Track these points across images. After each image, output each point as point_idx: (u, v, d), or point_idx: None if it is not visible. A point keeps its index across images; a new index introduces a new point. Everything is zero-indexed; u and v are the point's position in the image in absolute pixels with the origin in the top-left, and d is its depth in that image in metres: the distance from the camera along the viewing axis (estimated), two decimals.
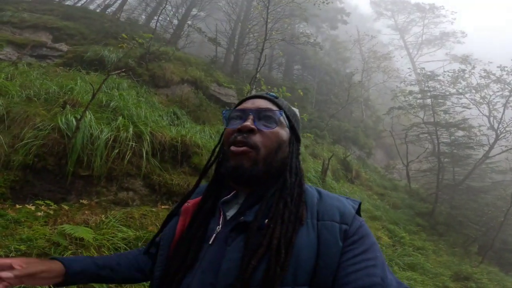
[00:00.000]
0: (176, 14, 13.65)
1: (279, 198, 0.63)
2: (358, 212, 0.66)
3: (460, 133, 9.40)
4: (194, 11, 13.58)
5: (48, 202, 2.40)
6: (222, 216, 0.67)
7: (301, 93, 6.03)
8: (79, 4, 13.73)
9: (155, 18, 13.13)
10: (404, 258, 4.42)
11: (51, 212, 2.35)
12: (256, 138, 0.66)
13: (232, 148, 0.66)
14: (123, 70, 4.29)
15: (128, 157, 2.85)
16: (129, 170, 2.92)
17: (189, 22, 11.74)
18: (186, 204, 0.74)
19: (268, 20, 5.60)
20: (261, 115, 0.69)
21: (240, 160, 0.64)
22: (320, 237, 0.58)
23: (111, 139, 2.79)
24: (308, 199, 0.66)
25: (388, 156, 14.23)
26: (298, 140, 0.76)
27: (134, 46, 7.87)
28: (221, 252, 0.60)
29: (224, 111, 0.76)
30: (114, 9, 14.01)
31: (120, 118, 3.06)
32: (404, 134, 9.89)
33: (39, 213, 2.28)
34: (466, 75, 10.25)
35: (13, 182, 2.43)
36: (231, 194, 0.69)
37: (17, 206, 2.32)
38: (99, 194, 2.71)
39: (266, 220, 0.60)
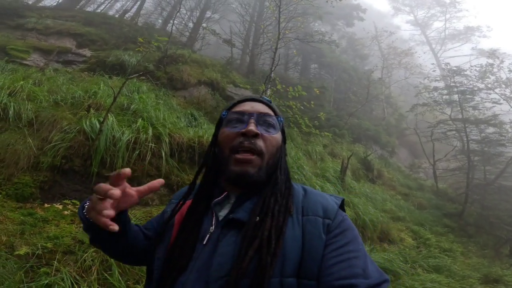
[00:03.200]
0: (191, 17, 13.92)
1: (271, 194, 0.66)
2: (342, 207, 0.69)
3: (491, 129, 8.84)
4: (208, 14, 13.80)
5: (74, 201, 2.49)
6: (214, 217, 0.68)
7: (317, 91, 5.92)
8: (98, 10, 14.34)
9: (171, 21, 13.51)
10: (429, 260, 4.21)
11: (77, 211, 2.44)
12: (261, 144, 0.67)
13: (238, 156, 0.66)
14: (141, 73, 4.40)
15: (148, 158, 2.91)
16: (148, 171, 2.99)
17: (204, 25, 11.94)
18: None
19: (281, 20, 5.54)
20: (261, 120, 0.70)
21: (245, 167, 0.65)
22: (305, 231, 0.61)
23: (132, 141, 2.86)
24: (294, 195, 0.68)
25: (413, 155, 13.68)
26: (285, 141, 0.79)
27: (152, 50, 8.09)
28: (214, 250, 0.61)
29: (223, 112, 0.75)
30: (132, 14, 14.56)
31: (140, 120, 3.13)
32: (430, 132, 9.42)
33: (66, 212, 2.38)
34: (495, 70, 9.67)
35: (42, 183, 2.56)
36: (222, 196, 0.70)
37: (46, 205, 2.43)
38: None
39: (257, 216, 0.62)
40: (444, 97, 9.44)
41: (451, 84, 8.88)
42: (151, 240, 0.78)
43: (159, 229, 0.75)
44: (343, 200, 0.70)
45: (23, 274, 1.79)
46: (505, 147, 8.03)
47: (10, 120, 2.83)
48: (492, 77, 9.75)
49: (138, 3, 15.09)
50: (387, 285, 0.56)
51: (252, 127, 0.67)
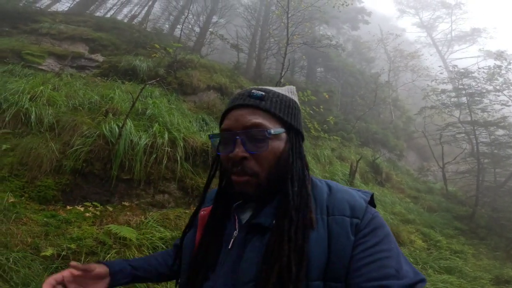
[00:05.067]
0: (198, 22, 14.12)
1: (286, 199, 0.61)
2: (372, 203, 0.65)
3: (501, 131, 8.77)
4: (215, 19, 13.97)
5: (95, 203, 2.57)
6: (237, 220, 0.67)
7: (327, 96, 5.95)
8: (108, 15, 14.59)
9: (179, 26, 13.74)
10: (440, 262, 4.22)
11: (98, 213, 2.53)
12: (252, 164, 0.63)
13: (234, 178, 0.64)
14: (157, 80, 4.50)
15: (165, 162, 2.99)
16: (164, 174, 3.06)
17: (211, 30, 12.10)
18: (202, 212, 0.74)
19: (289, 25, 5.62)
20: (249, 135, 0.63)
21: (243, 188, 0.64)
22: (331, 232, 0.58)
23: (149, 145, 2.94)
24: (318, 194, 0.65)
25: (422, 158, 13.59)
26: (298, 133, 0.70)
27: (162, 55, 8.24)
28: (240, 255, 0.61)
29: (210, 136, 0.71)
30: (139, 19, 14.85)
31: (156, 125, 3.21)
32: (439, 135, 9.37)
33: (87, 214, 2.46)
34: (503, 71, 9.61)
35: (64, 186, 2.65)
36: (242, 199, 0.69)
37: (68, 207, 2.51)
38: (139, 196, 2.86)
39: (274, 220, 0.60)
40: (452, 99, 9.39)
41: (459, 87, 8.83)
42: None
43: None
44: (372, 195, 0.66)
45: (49, 275, 1.87)
46: None
47: (32, 124, 2.93)
48: (501, 79, 9.68)
49: (146, 8, 15.43)
50: (423, 285, 0.53)
51: (237, 150, 0.62)
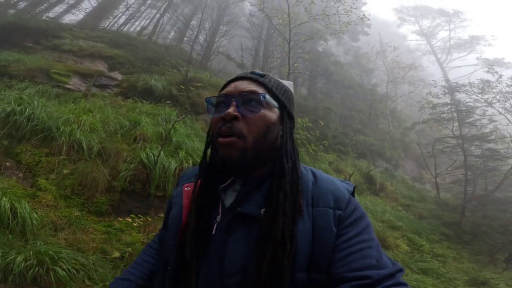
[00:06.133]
0: (205, 37, 14.88)
1: (278, 188, 0.61)
2: (353, 194, 0.67)
3: (491, 144, 9.33)
4: (221, 30, 14.62)
5: (140, 215, 3.32)
6: (220, 204, 0.67)
7: (322, 123, 6.62)
8: (115, 24, 15.11)
9: (189, 43, 14.51)
10: (418, 264, 4.74)
11: (141, 223, 3.26)
12: (241, 126, 0.64)
13: (220, 139, 0.65)
14: (186, 115, 5.17)
15: None
16: None
17: (217, 49, 12.76)
18: (186, 188, 0.74)
19: (290, 46, 6.27)
20: (244, 99, 0.67)
21: (228, 151, 0.64)
22: (315, 224, 0.59)
23: (178, 169, 3.69)
24: (303, 183, 0.65)
25: (420, 166, 14.12)
26: (291, 117, 0.74)
27: (174, 73, 8.94)
28: (222, 242, 0.61)
29: (207, 98, 0.74)
30: (148, 31, 15.58)
31: (181, 152, 3.94)
32: (431, 147, 10.01)
33: (134, 224, 3.21)
34: (494, 84, 10.16)
35: (113, 201, 3.40)
36: (228, 182, 0.68)
37: (119, 219, 3.26)
38: None
39: (263, 210, 0.60)
40: (442, 115, 10.01)
41: (450, 102, 9.47)
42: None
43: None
44: (354, 187, 0.69)
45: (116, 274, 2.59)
46: (501, 162, 8.54)
47: (86, 152, 3.69)
48: (492, 91, 10.21)
49: (152, 18, 16.08)
50: (401, 275, 0.55)
51: (230, 109, 0.65)
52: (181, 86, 7.53)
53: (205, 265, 0.62)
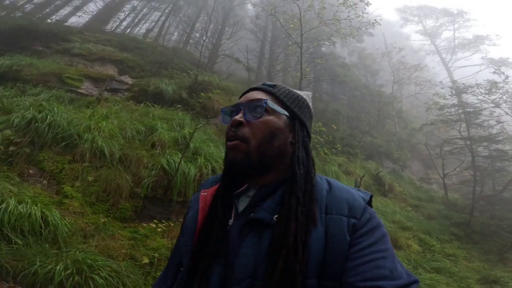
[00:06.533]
0: (211, 39, 14.98)
1: (290, 194, 0.63)
2: (370, 203, 0.66)
3: (500, 145, 9.36)
4: (227, 32, 14.70)
5: (163, 221, 3.40)
6: (234, 209, 0.69)
7: (335, 127, 6.64)
8: (126, 30, 15.22)
9: (196, 46, 14.62)
10: (431, 263, 4.83)
11: (165, 228, 3.34)
12: (245, 130, 0.68)
13: (227, 143, 0.70)
14: (204, 122, 5.23)
15: None
16: None
17: (223, 51, 12.84)
18: (203, 193, 0.77)
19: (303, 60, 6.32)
20: (250, 106, 0.71)
21: (233, 154, 0.68)
22: (328, 232, 0.59)
23: (197, 175, 3.76)
24: (318, 191, 0.66)
25: (426, 166, 14.15)
26: (303, 126, 0.75)
27: (183, 76, 8.99)
28: (234, 246, 0.63)
29: (222, 109, 0.79)
30: (154, 33, 15.68)
31: (200, 158, 4.02)
32: (439, 148, 10.04)
33: (158, 229, 3.29)
34: (501, 85, 10.19)
35: (136, 207, 3.49)
36: (243, 187, 0.70)
37: (144, 224, 3.34)
38: None
39: (276, 216, 0.61)
40: (450, 116, 10.03)
41: (457, 103, 9.49)
42: None
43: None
44: (371, 196, 0.68)
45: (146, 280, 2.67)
46: (509, 162, 8.57)
47: (108, 160, 3.77)
48: (499, 92, 10.23)
49: (156, 20, 16.19)
50: (416, 286, 0.55)
51: (236, 116, 0.70)
52: (192, 94, 7.60)
53: (217, 269, 0.63)
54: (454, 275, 4.73)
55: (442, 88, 10.83)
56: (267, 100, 0.71)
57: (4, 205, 2.59)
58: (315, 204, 0.63)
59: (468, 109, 9.25)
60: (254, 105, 0.71)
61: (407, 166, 11.66)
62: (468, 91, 9.81)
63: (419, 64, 15.88)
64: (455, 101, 10.07)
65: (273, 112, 0.70)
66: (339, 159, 7.39)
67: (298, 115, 0.74)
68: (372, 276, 0.53)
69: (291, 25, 6.79)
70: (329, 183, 0.69)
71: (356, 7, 6.59)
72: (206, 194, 0.76)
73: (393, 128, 13.58)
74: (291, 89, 0.79)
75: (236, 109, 0.73)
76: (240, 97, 0.78)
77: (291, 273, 0.54)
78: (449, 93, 10.02)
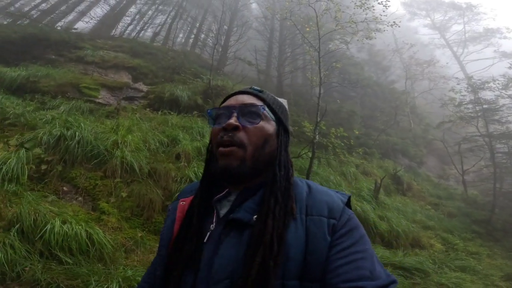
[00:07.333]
0: (220, 41, 14.97)
1: (270, 194, 0.64)
2: (348, 205, 0.67)
3: None
4: (234, 34, 14.70)
5: None
6: (215, 214, 0.68)
7: (357, 132, 6.57)
8: (132, 34, 15.23)
9: (204, 48, 14.67)
10: (455, 262, 4.84)
11: None
12: (242, 136, 0.67)
13: (221, 149, 0.67)
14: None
15: None
16: None
17: (234, 52, 12.85)
18: (181, 203, 0.76)
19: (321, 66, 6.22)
20: (244, 111, 0.70)
21: (228, 160, 0.66)
22: (308, 232, 0.60)
23: None
24: (298, 193, 0.67)
25: (442, 162, 13.90)
26: (286, 131, 0.77)
27: (196, 81, 9.01)
28: (214, 249, 0.62)
29: (209, 110, 0.76)
30: (161, 36, 15.73)
31: None
32: (457, 145, 9.89)
33: None
34: None
35: None
36: (223, 193, 0.70)
37: None
38: None
39: (255, 216, 0.62)
40: (467, 112, 9.84)
41: (474, 100, 9.31)
42: None
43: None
44: (349, 197, 0.69)
45: None
46: None
47: (139, 174, 3.86)
48: None
49: (163, 23, 16.18)
50: (394, 286, 0.55)
51: (231, 120, 0.68)
52: (207, 99, 7.63)
53: (192, 272, 0.62)
54: (478, 273, 4.75)
55: (458, 84, 10.62)
56: (264, 106, 0.72)
57: (49, 226, 2.68)
58: (293, 200, 0.64)
59: (485, 106, 9.06)
60: (249, 110, 0.71)
61: (423, 162, 11.51)
62: (485, 87, 9.60)
63: (431, 60, 15.58)
64: (471, 96, 9.87)
65: (266, 118, 0.71)
66: (358, 160, 7.36)
67: (283, 122, 0.76)
68: (353, 277, 0.54)
69: (307, 29, 6.74)
70: (309, 186, 0.70)
71: (374, 10, 6.49)
72: (184, 203, 0.75)
73: (408, 124, 13.40)
74: (273, 96, 0.81)
75: (227, 111, 0.72)
76: (226, 99, 0.78)
77: (265, 270, 0.55)
78: (466, 90, 9.81)
